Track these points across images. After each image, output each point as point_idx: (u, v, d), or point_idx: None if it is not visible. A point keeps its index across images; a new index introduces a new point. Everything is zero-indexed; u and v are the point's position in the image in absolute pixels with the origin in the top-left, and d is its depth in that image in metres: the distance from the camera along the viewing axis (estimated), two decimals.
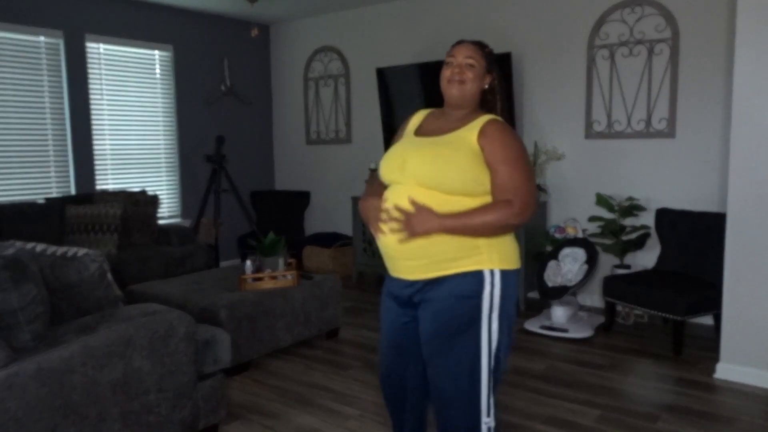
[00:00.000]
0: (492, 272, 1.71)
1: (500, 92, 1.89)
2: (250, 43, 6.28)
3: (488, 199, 1.72)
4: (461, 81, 1.81)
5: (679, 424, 2.67)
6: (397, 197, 1.74)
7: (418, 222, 1.67)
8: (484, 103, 1.88)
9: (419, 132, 1.90)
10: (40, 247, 2.24)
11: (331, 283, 3.83)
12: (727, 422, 2.70)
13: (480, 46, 1.86)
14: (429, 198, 1.70)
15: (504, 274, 1.73)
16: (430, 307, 1.75)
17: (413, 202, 1.69)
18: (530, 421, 2.71)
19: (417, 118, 1.97)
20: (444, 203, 1.69)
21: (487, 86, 1.86)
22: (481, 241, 1.70)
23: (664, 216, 4.00)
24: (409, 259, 1.74)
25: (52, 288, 2.13)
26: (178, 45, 5.67)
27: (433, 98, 5.00)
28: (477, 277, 1.71)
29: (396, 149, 1.85)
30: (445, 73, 1.85)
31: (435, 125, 1.88)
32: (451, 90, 1.83)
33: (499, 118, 1.82)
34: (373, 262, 5.28)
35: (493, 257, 1.72)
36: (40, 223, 4.40)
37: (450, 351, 1.73)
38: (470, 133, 1.76)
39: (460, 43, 1.87)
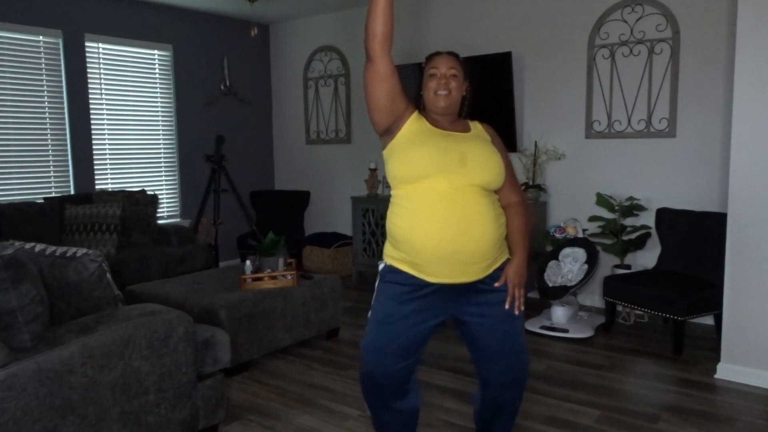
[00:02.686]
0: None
1: (470, 99, 2.06)
2: (250, 42, 6.28)
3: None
4: (447, 92, 1.91)
5: (679, 425, 2.67)
6: (459, 207, 1.82)
7: (520, 282, 1.97)
8: (460, 108, 2.03)
9: (438, 127, 1.95)
10: (39, 247, 2.23)
11: (331, 283, 3.83)
12: (727, 422, 2.69)
13: (456, 57, 1.98)
14: (484, 199, 1.87)
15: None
16: (497, 295, 1.95)
17: (510, 284, 1.95)
18: (530, 421, 2.70)
19: (418, 117, 1.96)
20: (490, 198, 1.90)
21: (465, 93, 2.01)
22: (504, 228, 1.97)
23: (665, 216, 4.00)
24: (478, 263, 1.88)
25: (51, 288, 2.12)
26: (178, 45, 5.66)
27: None
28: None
29: (433, 143, 1.85)
30: (431, 85, 1.93)
31: (444, 125, 1.96)
32: (438, 102, 1.92)
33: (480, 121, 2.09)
34: (373, 262, 5.27)
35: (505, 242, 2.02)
36: (39, 222, 4.40)
37: (517, 319, 2.00)
38: (482, 134, 2.00)
39: (438, 54, 1.97)
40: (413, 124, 1.91)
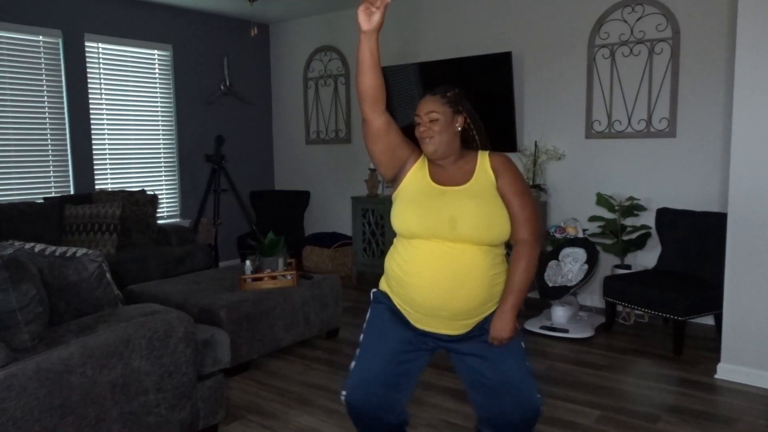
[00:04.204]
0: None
1: (476, 126, 1.94)
2: (250, 42, 6.28)
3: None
4: (430, 137, 1.84)
5: (679, 425, 2.67)
6: (452, 264, 1.78)
7: (507, 336, 1.82)
8: (466, 140, 1.93)
9: (437, 180, 1.87)
10: (38, 247, 2.23)
11: (331, 283, 3.83)
12: (727, 423, 2.69)
13: (441, 95, 1.87)
14: (480, 256, 1.79)
15: None
16: (484, 341, 1.87)
17: (493, 340, 1.83)
18: None
19: (421, 165, 1.90)
20: (490, 253, 1.82)
21: (461, 128, 1.89)
22: (502, 281, 1.87)
23: (665, 216, 4.00)
24: (465, 319, 1.84)
25: (51, 288, 2.12)
26: (178, 45, 5.66)
27: None
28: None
29: (426, 202, 1.81)
30: (417, 132, 1.88)
31: (445, 174, 1.88)
32: (426, 148, 1.86)
33: (494, 152, 1.92)
34: (373, 262, 5.27)
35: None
36: (39, 222, 4.39)
37: (515, 350, 1.89)
38: (487, 175, 1.86)
39: (423, 97, 1.90)
40: (415, 175, 1.88)
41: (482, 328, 1.86)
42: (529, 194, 1.86)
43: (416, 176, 1.88)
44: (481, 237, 1.78)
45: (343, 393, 1.92)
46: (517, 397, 1.84)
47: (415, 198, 1.84)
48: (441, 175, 1.88)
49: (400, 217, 1.84)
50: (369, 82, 1.73)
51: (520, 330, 1.88)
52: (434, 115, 1.83)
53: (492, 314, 1.86)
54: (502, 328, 1.81)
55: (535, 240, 1.84)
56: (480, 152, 1.91)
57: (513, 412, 1.84)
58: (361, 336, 1.97)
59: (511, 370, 1.85)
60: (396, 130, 1.86)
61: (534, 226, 1.84)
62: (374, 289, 2.02)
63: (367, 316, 2.00)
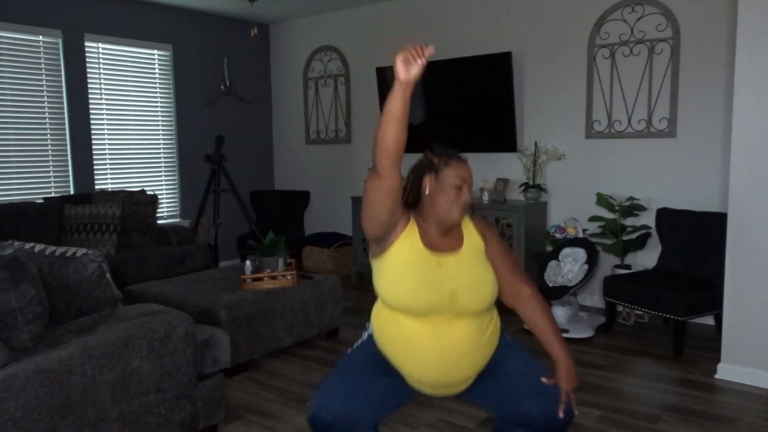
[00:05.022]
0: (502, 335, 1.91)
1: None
2: (250, 42, 6.27)
3: None
4: (465, 203, 1.76)
5: (679, 425, 2.67)
6: (448, 342, 1.72)
7: (574, 386, 1.81)
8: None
9: (429, 246, 1.76)
10: (38, 247, 2.23)
11: (331, 283, 3.82)
12: (727, 423, 2.69)
13: (467, 162, 1.82)
14: (475, 325, 1.75)
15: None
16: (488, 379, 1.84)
17: (571, 391, 1.80)
18: None
19: (411, 230, 1.75)
20: (482, 318, 1.78)
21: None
22: (494, 329, 1.84)
23: (665, 216, 4.00)
24: (464, 384, 1.82)
25: (51, 288, 2.12)
26: (178, 45, 5.66)
27: (433, 97, 5.03)
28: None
29: (423, 275, 1.70)
30: (454, 195, 1.73)
31: (436, 240, 1.78)
32: (458, 215, 1.75)
33: (472, 215, 1.91)
34: None
35: (498, 335, 1.88)
36: (39, 222, 4.39)
37: (520, 355, 1.90)
38: (474, 238, 1.83)
39: (459, 158, 1.77)
40: (405, 242, 1.73)
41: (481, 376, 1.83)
42: (509, 249, 1.90)
43: (408, 242, 1.73)
44: (481, 307, 1.74)
45: (314, 408, 1.73)
46: (538, 393, 1.78)
47: (410, 268, 1.71)
48: (433, 242, 1.77)
49: (394, 289, 1.71)
50: (396, 135, 1.53)
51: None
52: (469, 178, 1.77)
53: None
54: (569, 378, 1.80)
55: (536, 291, 1.88)
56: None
57: (537, 410, 1.76)
58: (351, 355, 1.87)
59: (524, 372, 1.82)
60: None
61: (526, 276, 1.89)
62: (370, 330, 1.91)
63: (363, 341, 1.90)
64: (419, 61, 1.48)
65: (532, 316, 1.86)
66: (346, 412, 1.68)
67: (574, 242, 4.00)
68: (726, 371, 3.17)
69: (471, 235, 1.82)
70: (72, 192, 4.97)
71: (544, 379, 1.80)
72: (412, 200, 1.79)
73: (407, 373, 1.79)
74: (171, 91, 5.67)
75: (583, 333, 3.83)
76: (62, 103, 4.90)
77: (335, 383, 1.75)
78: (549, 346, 1.84)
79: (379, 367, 1.81)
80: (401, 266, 1.72)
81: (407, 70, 1.48)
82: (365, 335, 1.93)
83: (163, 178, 5.70)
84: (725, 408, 2.84)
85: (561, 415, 1.75)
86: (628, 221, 4.25)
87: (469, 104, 4.87)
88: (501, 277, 1.84)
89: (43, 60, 4.77)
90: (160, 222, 5.47)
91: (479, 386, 1.84)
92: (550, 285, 3.91)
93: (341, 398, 1.70)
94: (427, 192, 1.76)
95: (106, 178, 5.25)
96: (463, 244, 1.80)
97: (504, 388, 1.80)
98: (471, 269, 1.75)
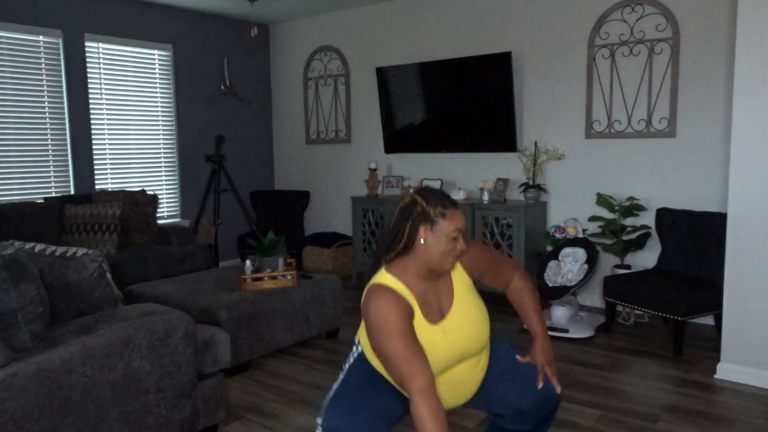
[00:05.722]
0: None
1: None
2: (250, 42, 6.28)
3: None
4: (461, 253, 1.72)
5: (679, 425, 2.67)
6: (458, 377, 1.78)
7: (549, 360, 1.89)
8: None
9: (428, 316, 1.72)
10: (39, 246, 2.23)
11: (331, 283, 3.83)
12: (727, 423, 2.69)
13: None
14: (479, 360, 1.81)
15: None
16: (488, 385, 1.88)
17: (547, 367, 1.87)
18: None
19: (410, 308, 1.66)
20: (484, 355, 1.83)
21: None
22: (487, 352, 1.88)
23: (665, 216, 4.00)
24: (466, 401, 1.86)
25: (51, 288, 2.12)
26: (178, 45, 5.66)
27: (433, 97, 5.03)
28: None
29: (435, 350, 1.68)
30: (450, 247, 1.67)
31: (434, 301, 1.75)
32: (452, 264, 1.71)
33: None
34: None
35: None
36: (39, 222, 4.39)
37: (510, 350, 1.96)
38: (463, 276, 1.82)
39: (456, 207, 1.70)
40: (417, 325, 1.70)
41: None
42: (486, 248, 1.91)
43: (418, 326, 1.70)
44: (482, 345, 1.79)
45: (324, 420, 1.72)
46: (525, 384, 1.84)
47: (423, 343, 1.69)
48: (431, 306, 1.73)
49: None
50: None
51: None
52: (463, 225, 1.72)
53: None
54: (544, 353, 1.88)
55: (522, 275, 1.96)
56: None
57: (525, 398, 1.82)
58: (350, 373, 1.84)
59: (509, 368, 1.88)
60: (413, 330, 1.64)
61: (511, 263, 1.94)
62: (360, 349, 1.87)
63: (356, 359, 1.87)
64: None
65: (517, 298, 1.96)
66: (357, 428, 1.68)
67: (574, 242, 4.00)
68: (726, 371, 3.17)
69: (460, 274, 1.81)
70: (72, 192, 4.97)
71: (518, 357, 1.90)
72: (403, 248, 1.70)
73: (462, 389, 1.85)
74: (171, 90, 5.67)
75: (583, 333, 3.84)
76: (62, 102, 4.90)
77: (343, 403, 1.74)
78: (528, 322, 1.96)
79: (379, 381, 1.81)
80: None
81: None
82: (356, 352, 1.89)
83: (164, 178, 5.70)
84: (725, 408, 2.84)
85: (539, 385, 1.82)
86: (628, 221, 4.25)
87: (469, 104, 4.87)
88: (491, 278, 1.92)
89: (43, 60, 4.78)
90: (160, 222, 5.47)
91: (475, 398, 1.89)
92: (550, 285, 3.91)
93: (350, 417, 1.69)
94: (422, 242, 1.68)
95: (107, 178, 5.25)
96: (453, 287, 1.77)
97: (493, 388, 1.86)
98: (469, 316, 1.76)
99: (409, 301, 1.67)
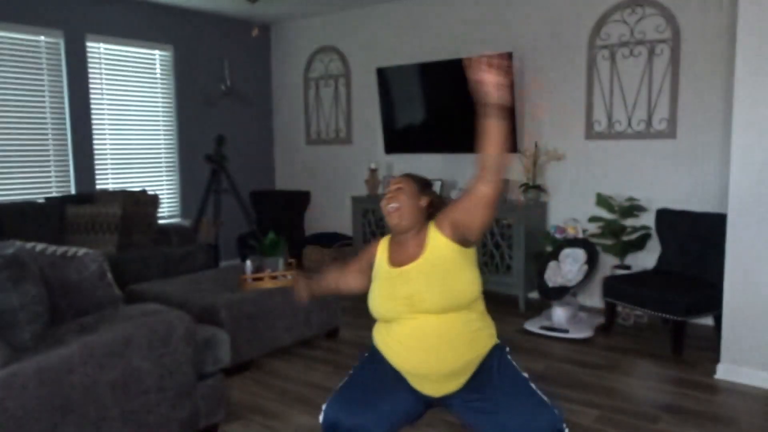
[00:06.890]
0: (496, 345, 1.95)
1: (440, 203, 2.00)
2: (251, 43, 6.28)
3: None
4: (397, 208, 1.90)
5: (679, 425, 2.67)
6: (426, 336, 1.82)
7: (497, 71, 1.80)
8: (431, 216, 1.96)
9: (394, 262, 1.93)
10: (39, 246, 2.24)
11: None
12: (727, 423, 2.69)
13: (410, 174, 2.03)
14: (452, 321, 1.81)
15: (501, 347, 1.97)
16: (491, 376, 1.88)
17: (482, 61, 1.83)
18: None
19: (382, 250, 2.00)
20: (463, 315, 1.84)
21: (425, 204, 1.95)
22: (483, 330, 1.90)
23: (665, 216, 4.00)
24: (456, 379, 1.86)
25: (52, 287, 2.13)
26: (179, 45, 5.67)
27: (433, 98, 5.03)
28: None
29: (384, 287, 1.92)
30: (383, 203, 1.95)
31: (402, 252, 1.93)
32: (391, 220, 1.92)
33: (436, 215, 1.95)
34: None
35: (491, 337, 1.94)
36: (40, 222, 4.40)
37: (517, 379, 1.91)
38: (439, 239, 1.86)
39: (397, 177, 2.02)
40: (379, 261, 1.99)
41: (474, 380, 1.88)
42: (458, 199, 1.85)
43: (379, 260, 1.99)
44: (444, 306, 1.80)
45: (327, 421, 1.82)
46: (524, 413, 1.77)
47: (378, 283, 1.96)
48: (398, 255, 1.94)
49: (369, 302, 1.98)
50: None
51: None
52: (399, 185, 1.93)
53: (482, 365, 1.88)
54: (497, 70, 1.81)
55: (482, 168, 1.74)
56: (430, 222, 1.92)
57: (515, 423, 1.75)
58: (359, 369, 1.96)
59: (515, 393, 1.83)
60: (360, 263, 2.12)
61: (480, 171, 1.73)
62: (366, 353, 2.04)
63: (369, 355, 2.01)
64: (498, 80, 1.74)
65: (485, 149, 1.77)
66: (357, 426, 1.77)
67: (574, 242, 4.00)
68: (725, 371, 3.17)
69: (434, 237, 1.88)
70: (73, 192, 4.97)
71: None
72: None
73: (403, 369, 1.87)
74: (172, 91, 5.68)
75: (583, 333, 3.84)
76: (63, 103, 4.91)
77: (347, 397, 1.86)
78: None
79: (388, 383, 1.89)
80: (374, 282, 1.99)
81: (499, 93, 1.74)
82: (367, 353, 2.03)
83: (164, 178, 5.71)
84: (725, 408, 2.84)
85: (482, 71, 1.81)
86: (628, 222, 4.25)
87: (469, 104, 4.86)
88: (469, 214, 1.78)
89: (44, 60, 4.78)
90: (160, 222, 5.47)
91: (466, 393, 1.88)
92: (550, 285, 3.92)
93: (353, 413, 1.79)
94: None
95: (107, 178, 5.25)
96: (425, 250, 1.87)
97: (486, 401, 1.83)
98: (429, 273, 1.83)
99: (382, 247, 2.01)
